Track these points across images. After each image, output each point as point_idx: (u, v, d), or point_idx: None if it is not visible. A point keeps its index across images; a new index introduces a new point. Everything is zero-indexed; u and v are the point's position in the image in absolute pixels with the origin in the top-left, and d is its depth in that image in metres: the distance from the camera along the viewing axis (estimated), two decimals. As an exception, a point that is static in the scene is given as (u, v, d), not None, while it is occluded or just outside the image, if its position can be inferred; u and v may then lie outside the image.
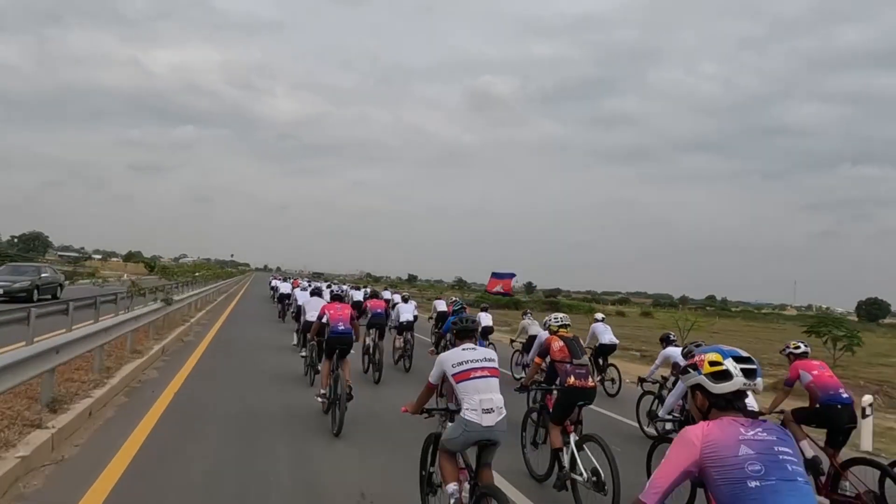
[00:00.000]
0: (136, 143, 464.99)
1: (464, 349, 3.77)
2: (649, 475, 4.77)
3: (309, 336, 8.84)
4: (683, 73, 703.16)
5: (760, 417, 4.36)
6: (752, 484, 1.78)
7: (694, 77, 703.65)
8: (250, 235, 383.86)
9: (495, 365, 3.76)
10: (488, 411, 3.45)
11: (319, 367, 7.95)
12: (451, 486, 3.49)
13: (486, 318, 12.78)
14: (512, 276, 18.85)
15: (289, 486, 4.61)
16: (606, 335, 10.72)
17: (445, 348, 9.08)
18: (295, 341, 12.62)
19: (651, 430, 7.53)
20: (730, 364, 2.05)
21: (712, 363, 2.07)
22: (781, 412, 5.97)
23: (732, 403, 2.03)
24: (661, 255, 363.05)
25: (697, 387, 2.10)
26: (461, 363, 3.64)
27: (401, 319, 11.15)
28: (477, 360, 3.65)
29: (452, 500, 3.46)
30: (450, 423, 3.73)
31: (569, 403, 5.09)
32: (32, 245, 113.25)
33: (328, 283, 23.12)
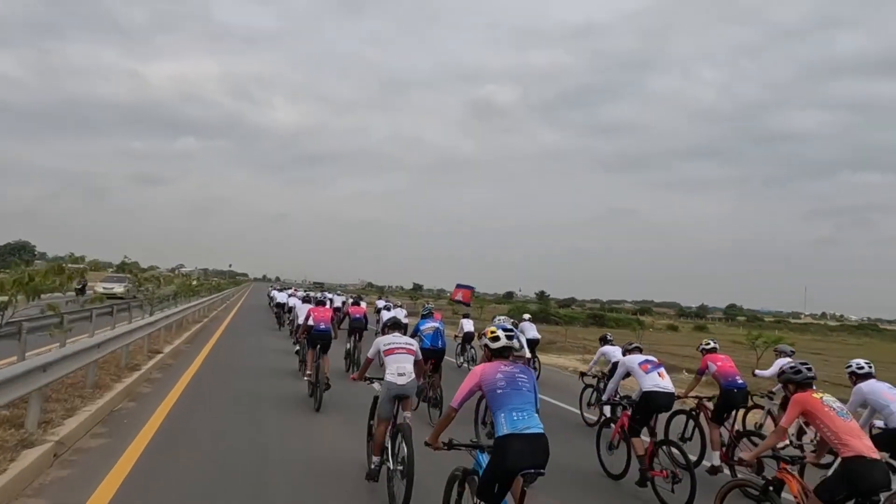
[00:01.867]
0: (136, 155, 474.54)
1: (394, 336, 5.77)
2: (599, 453, 6.24)
3: (299, 335, 10.64)
4: (682, 80, 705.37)
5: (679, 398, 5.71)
6: (499, 391, 3.55)
7: (693, 84, 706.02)
8: (249, 246, 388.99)
9: (413, 348, 5.66)
10: (402, 374, 5.29)
11: (304, 358, 9.91)
12: (375, 459, 5.07)
13: (467, 325, 14.33)
14: (472, 288, 21.30)
15: (279, 441, 6.58)
16: (531, 332, 13.20)
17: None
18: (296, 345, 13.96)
19: (591, 418, 8.89)
20: (500, 332, 3.90)
21: (492, 332, 3.93)
22: (696, 397, 7.35)
23: (502, 353, 3.83)
24: (663, 264, 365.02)
25: (485, 346, 3.89)
26: (390, 344, 5.58)
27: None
28: (400, 343, 5.61)
29: (372, 466, 5.07)
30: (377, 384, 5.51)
31: None
32: (19, 254, 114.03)
33: (323, 293, 24.53)
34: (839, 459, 3.94)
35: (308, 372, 8.94)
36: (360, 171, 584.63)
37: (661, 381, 6.02)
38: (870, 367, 5.70)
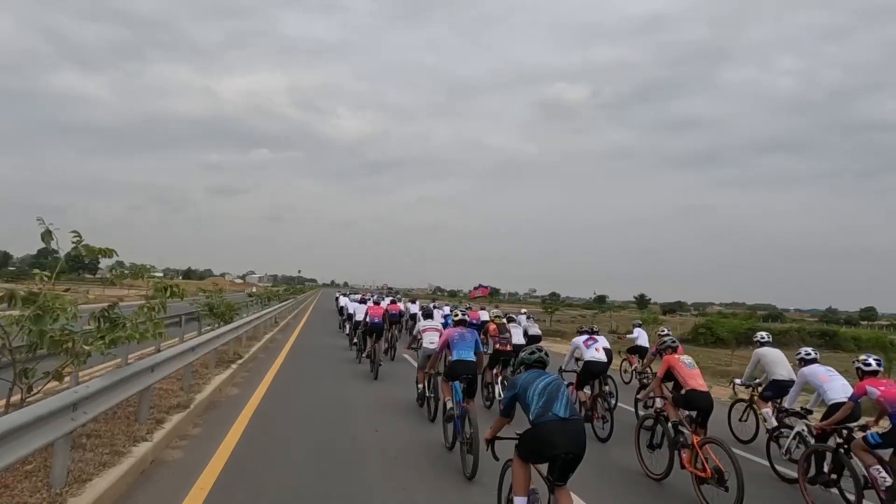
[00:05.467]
0: (213, 167, 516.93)
1: (426, 321, 10.53)
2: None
3: (359, 330, 15.30)
4: (758, 70, 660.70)
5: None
6: (455, 340, 7.91)
7: (770, 74, 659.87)
8: (318, 252, 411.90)
9: (438, 327, 10.14)
10: (431, 343, 9.53)
11: (364, 346, 14.62)
12: (419, 387, 9.66)
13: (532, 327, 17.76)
14: (486, 287, 26.18)
15: (353, 393, 10.87)
16: (532, 329, 16.00)
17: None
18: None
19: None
20: (459, 313, 8.20)
21: (455, 314, 8.25)
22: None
23: (461, 323, 8.34)
24: (749, 263, 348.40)
25: (452, 321, 7.83)
26: (424, 325, 10.31)
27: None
28: (430, 325, 10.28)
29: (420, 387, 9.58)
30: (418, 350, 9.50)
31: (495, 360, 10.17)
32: (82, 262, 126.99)
33: (391, 295, 29.57)
34: (683, 391, 6.89)
35: (365, 353, 13.71)
36: (425, 176, 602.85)
37: (597, 354, 9.19)
38: (816, 354, 7.89)
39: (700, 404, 6.63)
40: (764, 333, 9.42)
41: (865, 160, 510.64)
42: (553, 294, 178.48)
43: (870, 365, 6.44)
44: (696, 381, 6.77)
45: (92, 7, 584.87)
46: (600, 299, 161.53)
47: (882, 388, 6.09)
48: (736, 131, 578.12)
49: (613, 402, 10.48)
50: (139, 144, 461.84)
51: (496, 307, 25.45)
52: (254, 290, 47.01)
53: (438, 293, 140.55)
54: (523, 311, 18.35)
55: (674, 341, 7.61)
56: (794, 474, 6.89)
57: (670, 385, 9.99)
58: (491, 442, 4.90)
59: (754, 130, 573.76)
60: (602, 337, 11.42)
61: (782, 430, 7.82)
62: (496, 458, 4.96)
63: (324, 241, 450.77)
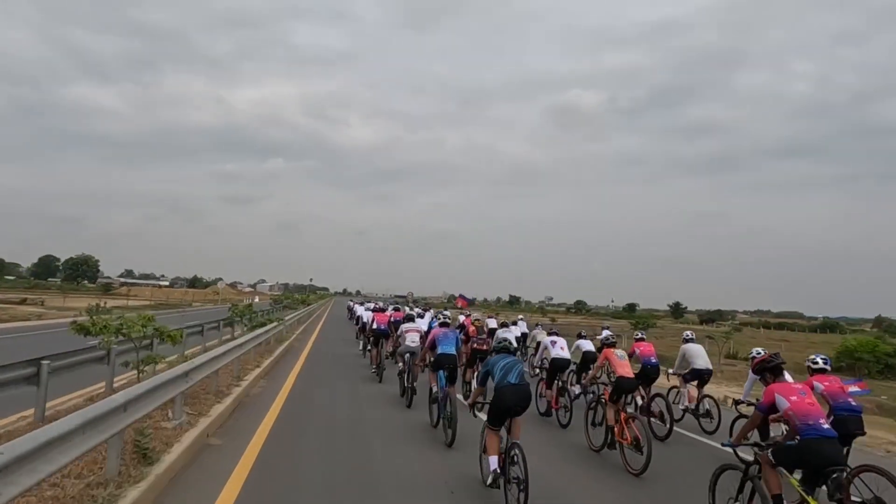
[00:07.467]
0: (225, 177, 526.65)
1: (408, 324, 13.23)
2: (536, 400, 12.17)
3: (367, 333, 18.09)
4: (773, 74, 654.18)
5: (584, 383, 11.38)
6: (440, 338, 10.06)
7: (785, 78, 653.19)
8: (331, 260, 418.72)
9: (417, 328, 13.08)
10: (413, 342, 12.46)
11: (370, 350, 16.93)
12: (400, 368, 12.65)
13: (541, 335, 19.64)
14: (468, 298, 29.63)
15: (357, 395, 13.02)
16: (544, 338, 17.59)
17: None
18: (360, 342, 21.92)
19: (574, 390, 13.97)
20: (442, 317, 10.84)
21: (440, 318, 10.82)
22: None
23: (444, 325, 10.78)
24: (770, 270, 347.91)
25: (438, 322, 10.26)
26: (406, 327, 13.01)
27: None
28: (411, 326, 13.03)
29: (401, 381, 12.15)
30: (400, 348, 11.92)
31: (474, 358, 12.39)
32: (80, 270, 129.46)
33: (398, 304, 31.66)
34: (615, 378, 8.79)
35: (374, 367, 15.72)
36: (438, 183, 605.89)
37: (562, 353, 11.21)
38: (764, 353, 9.31)
39: (626, 387, 8.73)
40: (689, 332, 12.01)
41: (887, 164, 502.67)
42: (578, 302, 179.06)
43: (817, 363, 7.54)
44: (624, 369, 8.78)
45: (107, 19, 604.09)
46: (631, 307, 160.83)
47: (826, 384, 7.26)
48: (752, 135, 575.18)
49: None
50: (154, 154, 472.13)
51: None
52: (257, 300, 48.44)
53: (453, 300, 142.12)
54: (520, 316, 20.59)
55: (607, 338, 10.34)
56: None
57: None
58: (472, 406, 7.48)
59: (770, 135, 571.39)
60: (587, 340, 13.37)
61: (740, 418, 9.59)
62: (475, 416, 7.91)
63: (336, 249, 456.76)
